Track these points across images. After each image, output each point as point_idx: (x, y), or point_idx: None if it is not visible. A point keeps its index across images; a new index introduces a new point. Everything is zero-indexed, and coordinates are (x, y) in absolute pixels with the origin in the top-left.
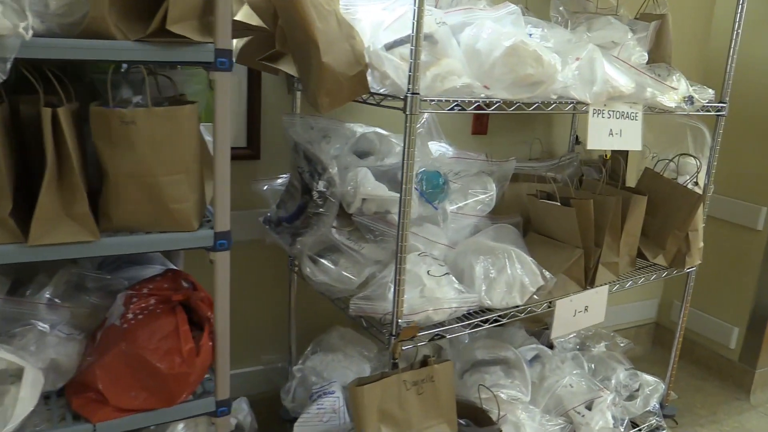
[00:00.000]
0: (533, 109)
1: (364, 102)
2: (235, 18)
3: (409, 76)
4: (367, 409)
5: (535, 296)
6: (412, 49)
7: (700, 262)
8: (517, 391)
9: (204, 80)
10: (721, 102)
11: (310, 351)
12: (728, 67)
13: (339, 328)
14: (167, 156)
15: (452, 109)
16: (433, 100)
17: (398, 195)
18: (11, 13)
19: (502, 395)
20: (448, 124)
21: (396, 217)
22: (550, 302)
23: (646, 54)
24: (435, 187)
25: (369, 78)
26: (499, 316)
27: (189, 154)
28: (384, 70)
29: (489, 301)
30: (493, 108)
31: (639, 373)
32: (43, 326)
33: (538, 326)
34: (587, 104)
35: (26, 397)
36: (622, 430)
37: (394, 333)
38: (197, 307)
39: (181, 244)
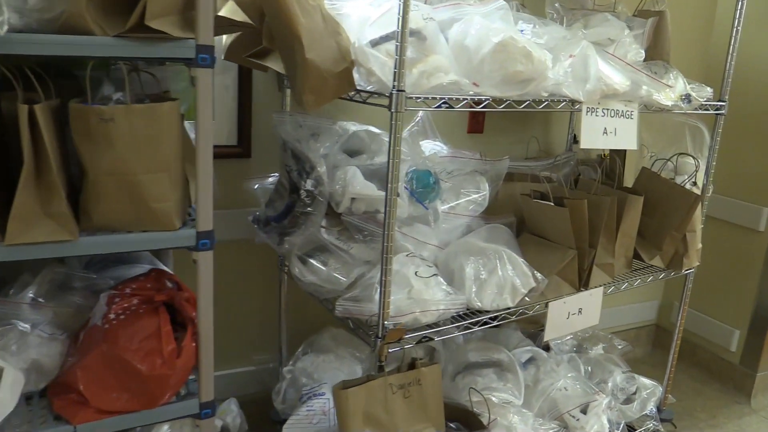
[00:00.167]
0: (524, 107)
1: (351, 99)
2: (219, 14)
3: (395, 72)
4: (352, 413)
5: (526, 298)
6: (397, 46)
7: (698, 263)
8: (509, 394)
9: None
10: (720, 100)
11: (301, 352)
12: (728, 64)
13: (331, 329)
14: (147, 154)
15: (439, 106)
16: (420, 98)
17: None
18: None
19: (494, 398)
20: (444, 123)
21: None
22: (543, 304)
23: (642, 51)
24: (425, 187)
25: (355, 75)
26: (489, 318)
27: (170, 152)
28: (370, 67)
29: (479, 303)
30: (482, 106)
31: (636, 376)
32: (24, 326)
33: (535, 328)
34: (580, 102)
35: (5, 398)
36: None
37: (380, 335)
38: (181, 307)
39: (162, 243)
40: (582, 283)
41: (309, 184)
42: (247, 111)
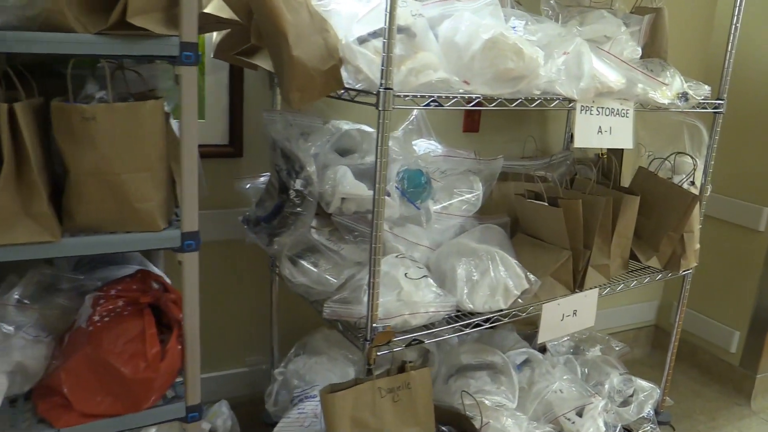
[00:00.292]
0: (516, 106)
1: (339, 98)
2: (205, 11)
3: (382, 70)
4: (339, 417)
5: (519, 300)
6: (385, 42)
7: (696, 264)
8: (503, 397)
9: None
10: (718, 99)
11: (293, 353)
12: (726, 62)
13: (323, 330)
14: (130, 153)
15: (428, 105)
16: (408, 96)
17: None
18: None
19: (487, 402)
20: (439, 122)
21: None
22: (536, 306)
23: (639, 49)
24: (417, 186)
25: (343, 73)
26: (481, 320)
27: (153, 151)
28: (357, 65)
29: (471, 305)
30: (472, 104)
31: (633, 378)
32: (8, 329)
33: (531, 329)
34: (574, 101)
35: None
36: None
37: (368, 338)
38: (167, 309)
39: (146, 244)
40: (577, 284)
41: (298, 184)
42: (238, 110)
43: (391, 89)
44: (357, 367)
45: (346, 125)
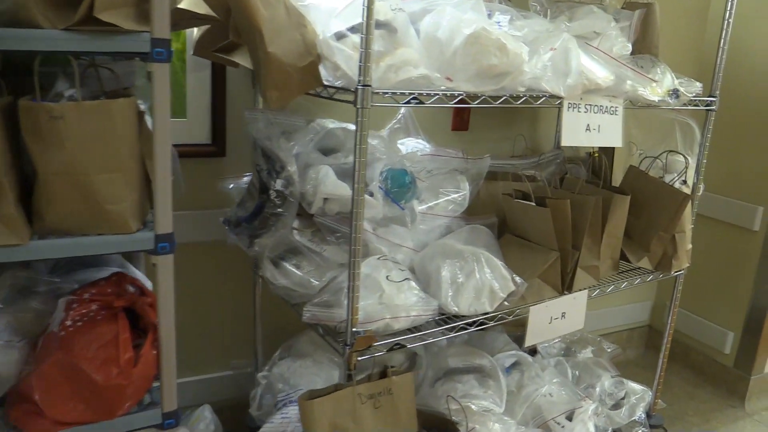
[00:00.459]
0: (500, 103)
1: (317, 95)
2: (180, 6)
3: (360, 66)
4: (318, 424)
5: (506, 302)
6: (362, 38)
7: (688, 265)
8: (490, 401)
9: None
10: (710, 96)
11: (278, 356)
12: (719, 59)
13: (309, 333)
14: (100, 153)
15: (408, 102)
16: (387, 93)
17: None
18: None
19: (473, 406)
20: (427, 120)
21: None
22: (523, 309)
23: (629, 45)
24: (401, 186)
25: (322, 70)
26: (466, 323)
27: (125, 151)
28: (335, 61)
29: (456, 308)
30: (455, 102)
31: (625, 380)
32: None
33: (522, 331)
34: (561, 98)
35: None
36: None
37: (348, 343)
38: (144, 313)
39: (118, 247)
40: (565, 286)
41: (279, 184)
42: (221, 108)
43: (370, 86)
44: (343, 370)
45: (331, 124)
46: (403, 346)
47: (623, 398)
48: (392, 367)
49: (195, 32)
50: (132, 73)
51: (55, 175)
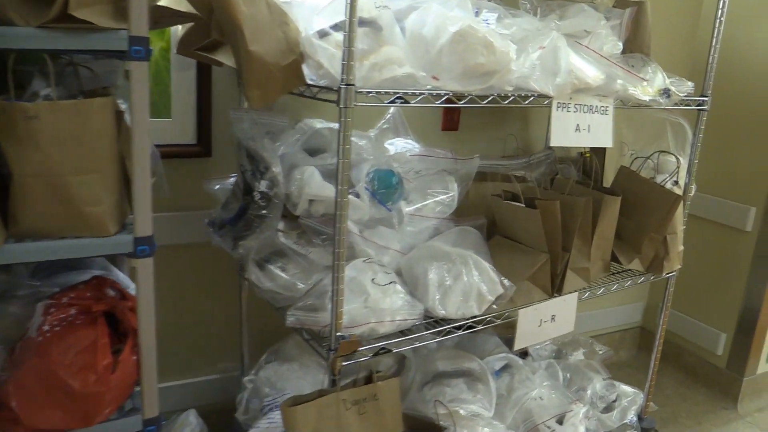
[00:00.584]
0: (487, 103)
1: (301, 95)
2: (160, 3)
3: (343, 65)
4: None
5: (494, 305)
6: (345, 35)
7: (680, 266)
8: (479, 405)
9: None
10: (702, 96)
11: (264, 360)
12: (710, 58)
13: (296, 336)
14: (76, 154)
15: (393, 101)
16: (371, 92)
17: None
18: None
19: (462, 411)
20: (417, 120)
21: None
22: (512, 312)
23: (620, 43)
24: (388, 187)
25: (305, 69)
26: (454, 327)
27: (103, 152)
28: (317, 59)
29: (443, 311)
30: (441, 101)
31: (616, 383)
32: None
33: (513, 333)
34: (550, 97)
35: None
36: None
37: (332, 348)
38: (124, 317)
39: (96, 250)
40: (555, 288)
41: (263, 186)
42: (207, 108)
43: (353, 85)
44: (327, 375)
45: (319, 124)
46: (389, 351)
47: (615, 401)
48: (378, 372)
49: (179, 30)
50: (113, 72)
51: (31, 176)
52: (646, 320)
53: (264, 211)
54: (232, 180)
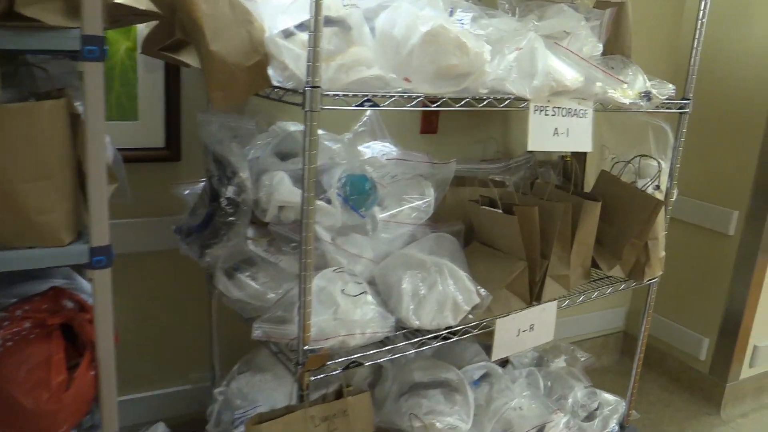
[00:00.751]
0: (461, 106)
1: (266, 97)
2: (117, 1)
3: (308, 66)
4: None
5: (470, 315)
6: (310, 35)
7: (661, 273)
8: (455, 418)
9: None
10: (684, 98)
11: (236, 370)
12: (692, 60)
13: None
14: (26, 159)
15: (362, 104)
16: (338, 95)
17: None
18: None
19: (438, 424)
20: (395, 123)
21: (317, 227)
22: (489, 322)
23: (600, 45)
24: (361, 193)
25: (270, 70)
26: (429, 338)
27: (55, 157)
28: (282, 60)
29: (417, 322)
30: (412, 104)
31: (598, 391)
32: None
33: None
34: (527, 100)
35: None
36: None
37: (300, 362)
38: (82, 330)
39: (48, 261)
40: (534, 296)
41: (230, 191)
42: (175, 110)
43: (319, 87)
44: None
45: (293, 127)
46: (360, 364)
47: (596, 409)
48: (348, 386)
49: (144, 28)
50: (71, 72)
51: None
52: (628, 325)
53: (231, 218)
54: (202, 185)
